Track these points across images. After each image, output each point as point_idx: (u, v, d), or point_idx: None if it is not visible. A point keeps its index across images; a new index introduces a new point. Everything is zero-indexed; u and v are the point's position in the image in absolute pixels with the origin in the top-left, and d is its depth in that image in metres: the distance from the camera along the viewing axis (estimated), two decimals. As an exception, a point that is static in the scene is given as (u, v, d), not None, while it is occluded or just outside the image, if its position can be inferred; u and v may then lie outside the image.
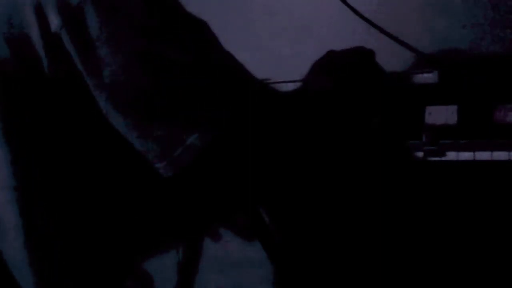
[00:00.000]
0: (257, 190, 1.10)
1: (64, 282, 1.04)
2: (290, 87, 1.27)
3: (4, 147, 1.02)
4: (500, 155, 1.26)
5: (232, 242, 1.41)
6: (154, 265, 1.15)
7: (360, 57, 1.25)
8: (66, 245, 1.03)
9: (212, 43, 1.08)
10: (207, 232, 1.39)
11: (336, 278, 1.36)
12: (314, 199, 1.30)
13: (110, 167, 1.03)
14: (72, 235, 1.03)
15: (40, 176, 1.02)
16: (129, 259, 1.10)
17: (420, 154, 1.30)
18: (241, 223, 1.35)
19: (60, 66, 0.96)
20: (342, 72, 1.21)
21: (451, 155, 1.29)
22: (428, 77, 1.35)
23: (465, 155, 1.28)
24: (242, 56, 1.17)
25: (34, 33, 0.96)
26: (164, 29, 0.96)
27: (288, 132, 1.07)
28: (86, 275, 1.05)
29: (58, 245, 1.03)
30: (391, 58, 1.31)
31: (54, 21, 0.94)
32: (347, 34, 1.50)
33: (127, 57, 0.94)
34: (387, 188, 1.29)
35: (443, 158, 1.29)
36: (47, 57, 0.96)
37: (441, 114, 1.31)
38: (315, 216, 1.33)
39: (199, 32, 1.06)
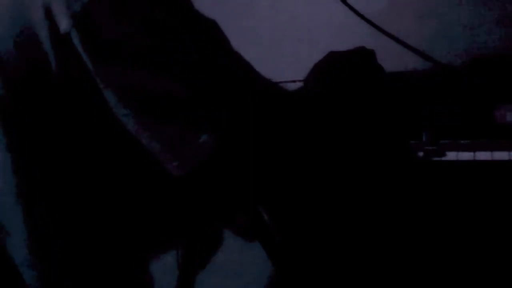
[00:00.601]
0: (257, 190, 1.09)
1: (64, 282, 1.04)
2: (290, 87, 1.27)
3: (5, 147, 1.02)
4: (500, 155, 1.26)
5: (232, 242, 1.41)
6: (154, 265, 1.15)
7: (361, 57, 1.25)
8: (66, 246, 1.03)
9: (219, 43, 1.08)
10: (207, 232, 1.40)
11: (336, 278, 1.35)
12: (314, 199, 1.30)
13: (111, 168, 1.03)
14: (73, 235, 1.03)
15: (40, 177, 1.02)
16: (129, 259, 1.10)
17: (420, 154, 1.31)
18: (241, 223, 1.35)
19: (68, 67, 0.96)
20: (343, 72, 1.21)
21: (451, 155, 1.29)
22: (428, 77, 1.36)
23: (465, 155, 1.28)
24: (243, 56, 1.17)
25: (43, 34, 0.96)
26: (165, 28, 0.96)
27: (288, 132, 1.07)
28: (86, 275, 1.05)
29: (58, 245, 1.03)
30: (391, 58, 1.31)
31: (63, 21, 0.94)
32: (347, 35, 1.50)
33: (135, 57, 0.94)
34: (387, 188, 1.29)
35: (443, 158, 1.29)
36: (55, 58, 0.96)
37: (441, 114, 1.32)
38: (315, 216, 1.33)
39: (205, 32, 1.06)
